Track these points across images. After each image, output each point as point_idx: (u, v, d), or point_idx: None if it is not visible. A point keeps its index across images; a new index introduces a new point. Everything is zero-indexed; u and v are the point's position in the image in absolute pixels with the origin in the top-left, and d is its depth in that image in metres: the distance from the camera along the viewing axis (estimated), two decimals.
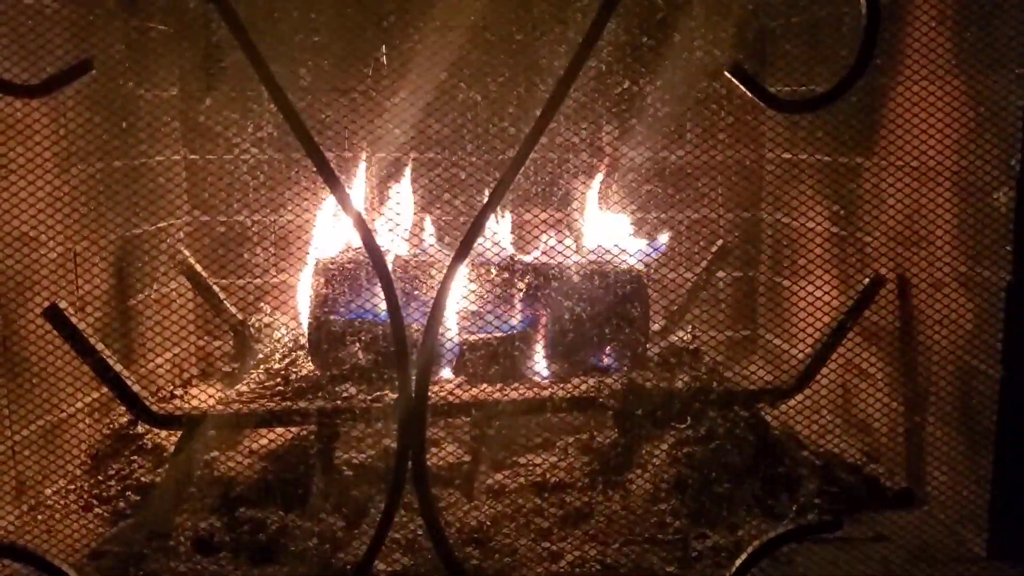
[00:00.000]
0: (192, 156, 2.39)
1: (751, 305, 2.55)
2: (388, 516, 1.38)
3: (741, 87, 1.23)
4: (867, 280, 1.85)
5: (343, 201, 1.31)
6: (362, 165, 2.09)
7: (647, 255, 2.05)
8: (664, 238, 2.12)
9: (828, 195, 2.15)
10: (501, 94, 2.01)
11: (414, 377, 1.35)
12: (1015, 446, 1.61)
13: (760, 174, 2.50)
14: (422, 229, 2.09)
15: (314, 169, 1.25)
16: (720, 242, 2.34)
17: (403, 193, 2.11)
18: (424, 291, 1.89)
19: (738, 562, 1.38)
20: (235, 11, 1.21)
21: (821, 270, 2.07)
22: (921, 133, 1.70)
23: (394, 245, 2.01)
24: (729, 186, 2.45)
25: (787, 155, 2.32)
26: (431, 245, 2.06)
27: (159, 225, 2.27)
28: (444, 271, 1.36)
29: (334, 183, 1.28)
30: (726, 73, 1.22)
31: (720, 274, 2.43)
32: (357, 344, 1.85)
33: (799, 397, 1.85)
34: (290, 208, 2.13)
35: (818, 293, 1.86)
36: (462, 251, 1.34)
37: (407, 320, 1.39)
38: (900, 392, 1.89)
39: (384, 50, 1.92)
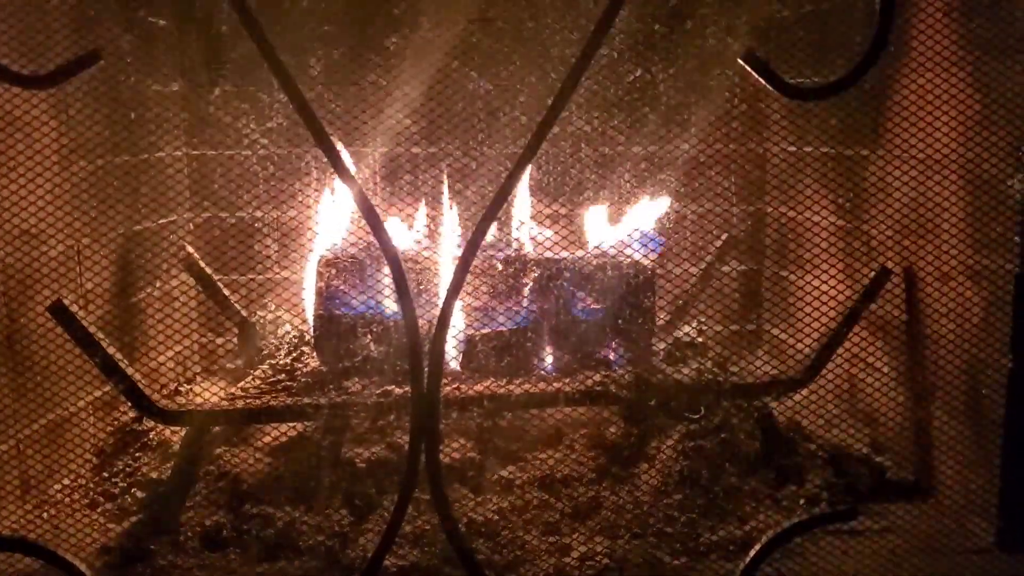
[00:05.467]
0: (195, 152, 2.38)
1: (756, 298, 2.55)
2: (400, 511, 1.37)
3: (754, 75, 1.23)
4: (873, 272, 1.85)
5: (351, 188, 1.30)
6: (370, 157, 2.08)
7: (652, 248, 2.04)
8: (664, 231, 2.11)
9: (834, 187, 2.14)
10: (512, 84, 2.00)
11: (426, 371, 1.34)
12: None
13: (766, 166, 2.50)
14: (431, 222, 2.08)
15: (324, 160, 1.24)
16: (725, 235, 2.34)
17: (412, 185, 2.10)
18: (434, 282, 1.88)
19: (752, 552, 1.38)
20: None
21: (827, 263, 2.07)
22: (928, 123, 1.69)
23: (403, 239, 2.00)
24: (735, 178, 2.45)
25: (793, 147, 2.31)
26: (441, 236, 2.05)
27: (163, 221, 2.26)
28: (454, 264, 1.35)
29: (344, 173, 1.28)
30: (739, 61, 1.22)
31: (728, 266, 2.43)
32: (364, 338, 1.84)
33: (806, 390, 1.84)
34: (295, 203, 2.12)
35: (824, 286, 1.86)
36: (473, 243, 1.33)
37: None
38: (907, 384, 1.88)
39: (393, 39, 1.92)
